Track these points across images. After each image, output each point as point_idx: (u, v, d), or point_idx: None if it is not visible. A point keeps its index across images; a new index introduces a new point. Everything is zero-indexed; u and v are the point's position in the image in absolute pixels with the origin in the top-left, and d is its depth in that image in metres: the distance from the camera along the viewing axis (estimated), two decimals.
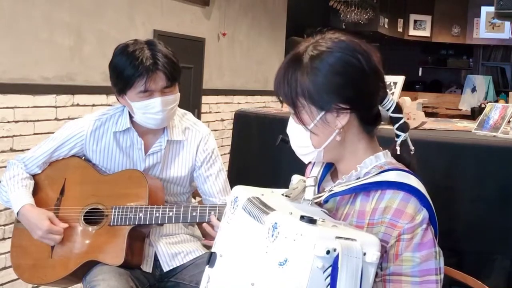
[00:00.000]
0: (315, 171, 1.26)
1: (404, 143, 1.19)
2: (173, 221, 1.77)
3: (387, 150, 1.19)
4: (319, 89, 1.11)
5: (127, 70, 1.74)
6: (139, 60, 1.73)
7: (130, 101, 1.79)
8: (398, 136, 1.18)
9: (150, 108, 1.77)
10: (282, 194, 1.16)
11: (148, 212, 1.76)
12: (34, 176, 1.91)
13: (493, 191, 2.09)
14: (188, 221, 1.78)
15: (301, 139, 1.17)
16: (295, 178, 1.18)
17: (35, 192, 1.87)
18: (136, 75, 1.73)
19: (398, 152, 1.18)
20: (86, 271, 1.79)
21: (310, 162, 1.30)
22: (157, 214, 1.75)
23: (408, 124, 1.19)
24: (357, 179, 1.14)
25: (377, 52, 1.17)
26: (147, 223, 1.76)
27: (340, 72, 1.11)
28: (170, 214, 1.75)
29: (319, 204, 1.15)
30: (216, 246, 1.13)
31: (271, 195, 1.13)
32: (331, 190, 1.15)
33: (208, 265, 1.11)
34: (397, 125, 1.18)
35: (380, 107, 1.17)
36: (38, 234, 1.77)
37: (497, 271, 2.08)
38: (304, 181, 1.18)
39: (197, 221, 1.77)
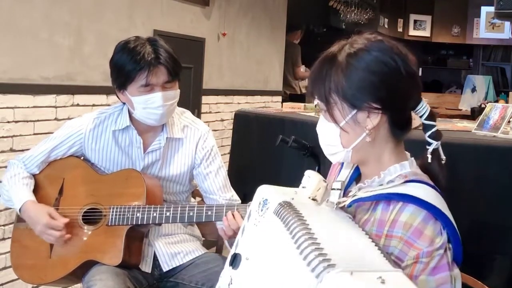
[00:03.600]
0: (343, 174, 1.24)
1: (435, 152, 1.17)
2: (170, 221, 1.76)
3: (413, 159, 1.17)
4: (353, 86, 1.10)
5: (129, 65, 1.74)
6: (141, 55, 1.74)
7: (131, 96, 1.79)
8: (429, 144, 1.16)
9: (150, 102, 1.77)
10: (309, 197, 1.13)
11: (146, 212, 1.75)
12: (33, 176, 1.91)
13: (493, 191, 2.09)
14: (185, 221, 1.78)
15: (330, 137, 1.16)
16: (313, 176, 1.15)
17: (34, 192, 1.87)
18: (137, 68, 1.73)
19: (429, 161, 1.16)
20: (85, 270, 1.79)
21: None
22: (155, 214, 1.75)
23: (440, 132, 1.17)
24: (379, 185, 1.12)
25: (413, 56, 1.16)
26: (145, 223, 1.76)
27: (376, 71, 1.10)
28: (168, 214, 1.75)
29: (343, 208, 1.14)
30: (240, 248, 1.10)
31: (299, 198, 1.10)
32: (355, 195, 1.13)
33: (231, 266, 1.08)
34: (429, 132, 1.16)
35: (413, 113, 1.16)
36: (38, 229, 1.77)
37: (497, 271, 2.08)
38: (324, 181, 1.16)
39: (194, 221, 1.77)
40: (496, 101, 6.76)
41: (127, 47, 1.78)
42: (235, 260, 1.08)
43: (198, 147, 1.93)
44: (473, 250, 2.04)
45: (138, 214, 1.76)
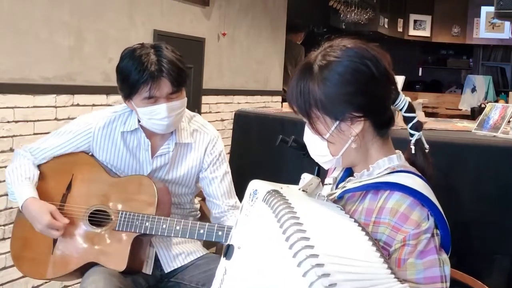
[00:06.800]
0: (336, 172, 1.28)
1: (418, 142, 1.20)
2: (179, 235, 1.74)
3: (400, 153, 1.21)
4: (331, 99, 1.12)
5: (133, 76, 1.72)
6: (144, 66, 1.71)
7: (136, 106, 1.78)
8: (412, 135, 1.20)
9: (155, 114, 1.75)
10: (299, 189, 1.17)
11: (155, 223, 1.74)
12: (41, 168, 1.88)
13: (493, 191, 2.09)
14: (195, 237, 1.75)
15: (318, 148, 1.19)
16: (307, 176, 1.19)
17: (41, 185, 1.85)
18: (141, 81, 1.71)
19: (413, 151, 1.19)
20: (87, 269, 1.78)
21: None
22: (164, 226, 1.73)
23: (421, 122, 1.20)
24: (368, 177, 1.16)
25: (387, 54, 1.18)
26: (153, 233, 1.74)
27: (350, 81, 1.11)
28: (177, 228, 1.73)
29: (334, 201, 1.17)
30: (233, 239, 1.12)
31: (288, 189, 1.13)
32: (344, 187, 1.17)
33: (225, 257, 1.10)
34: (410, 124, 1.19)
35: (392, 107, 1.18)
36: (38, 227, 1.76)
37: (497, 271, 2.08)
38: (318, 179, 1.20)
39: (204, 239, 1.75)
40: (496, 101, 6.77)
41: (133, 56, 1.75)
42: (228, 251, 1.09)
43: (207, 151, 1.92)
44: (473, 250, 2.05)
45: (147, 224, 1.74)
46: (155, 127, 1.80)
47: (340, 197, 1.18)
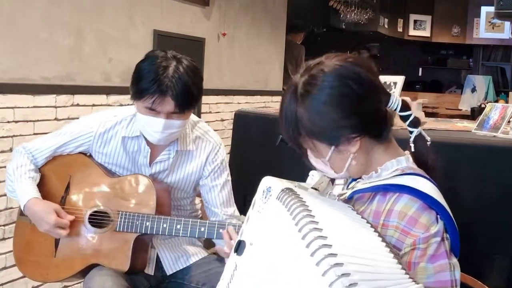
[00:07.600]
0: None
1: (418, 138, 1.19)
2: (180, 234, 1.74)
3: (408, 155, 1.20)
4: (323, 129, 1.11)
5: (143, 83, 1.69)
6: (157, 78, 1.67)
7: (137, 110, 1.77)
8: (411, 132, 1.19)
9: (150, 125, 1.73)
10: (312, 187, 1.17)
11: (156, 222, 1.74)
12: (40, 169, 1.87)
13: (493, 191, 2.09)
14: (196, 236, 1.75)
15: (322, 168, 1.19)
16: (316, 174, 1.20)
17: (40, 187, 1.84)
18: (148, 91, 1.68)
19: (413, 149, 1.19)
20: (89, 270, 1.78)
21: None
22: (165, 225, 1.73)
23: (419, 118, 1.19)
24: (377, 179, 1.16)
25: (369, 62, 1.16)
26: (154, 233, 1.74)
27: (337, 107, 1.10)
28: (178, 226, 1.73)
29: (344, 201, 1.17)
30: (244, 235, 1.12)
31: (301, 188, 1.14)
32: (354, 187, 1.17)
33: (235, 253, 1.10)
34: (407, 122, 1.18)
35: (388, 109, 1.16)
36: (45, 228, 1.74)
37: (497, 271, 2.08)
38: (327, 177, 1.20)
39: (205, 237, 1.75)
40: (496, 101, 6.77)
41: (152, 63, 1.71)
42: (240, 247, 1.09)
43: (208, 160, 1.90)
44: (473, 250, 2.05)
45: (147, 223, 1.74)
46: (146, 136, 1.79)
47: (350, 197, 1.18)
